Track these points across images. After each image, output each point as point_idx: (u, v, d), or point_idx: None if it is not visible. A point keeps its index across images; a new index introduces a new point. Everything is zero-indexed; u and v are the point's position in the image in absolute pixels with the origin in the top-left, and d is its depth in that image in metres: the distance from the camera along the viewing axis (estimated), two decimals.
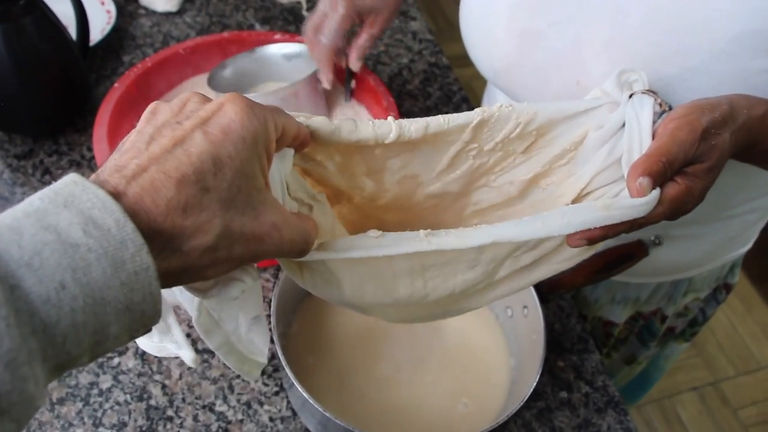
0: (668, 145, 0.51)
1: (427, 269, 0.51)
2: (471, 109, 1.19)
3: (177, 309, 0.51)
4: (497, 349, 0.87)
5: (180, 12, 1.34)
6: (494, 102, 1.00)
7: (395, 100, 1.07)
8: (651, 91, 0.56)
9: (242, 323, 0.47)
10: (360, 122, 0.51)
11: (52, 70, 1.01)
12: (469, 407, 0.82)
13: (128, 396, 0.82)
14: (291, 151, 0.47)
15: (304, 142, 0.48)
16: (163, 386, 0.83)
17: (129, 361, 0.84)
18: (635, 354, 1.17)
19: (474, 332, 0.89)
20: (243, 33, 1.11)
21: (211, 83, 1.04)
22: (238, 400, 0.82)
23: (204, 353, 0.86)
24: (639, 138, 0.53)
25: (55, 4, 1.05)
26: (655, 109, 0.54)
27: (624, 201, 0.50)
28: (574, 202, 0.58)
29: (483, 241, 0.48)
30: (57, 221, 0.33)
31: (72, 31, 1.08)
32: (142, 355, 0.85)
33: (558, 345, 0.92)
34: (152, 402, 0.81)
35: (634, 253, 0.86)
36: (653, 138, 0.53)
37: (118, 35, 1.26)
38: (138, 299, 0.35)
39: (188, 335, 0.84)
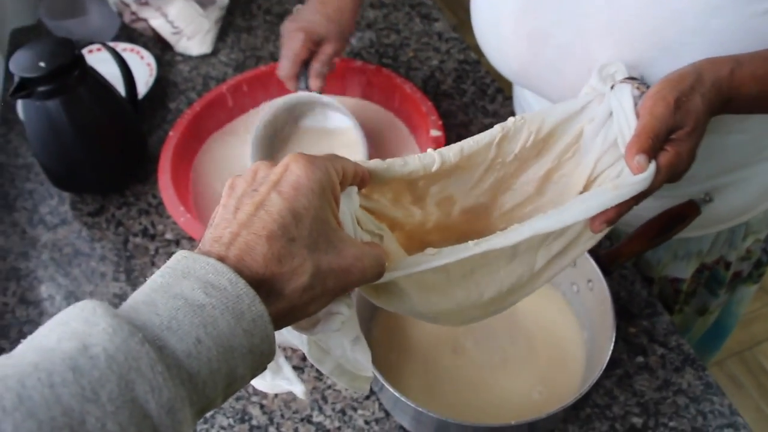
0: (651, 122, 0.59)
1: (475, 271, 0.58)
2: (506, 99, 1.23)
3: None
4: (569, 326, 0.90)
5: (214, 52, 1.41)
6: (523, 95, 1.04)
7: (432, 102, 1.11)
8: (631, 78, 0.64)
9: (347, 347, 0.53)
10: (408, 157, 0.58)
11: (111, 130, 1.08)
12: (543, 394, 0.85)
13: (230, 420, 0.87)
14: (354, 189, 0.53)
15: (363, 179, 0.54)
16: (261, 406, 0.88)
17: None
18: (706, 304, 1.18)
19: (545, 313, 0.92)
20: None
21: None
22: (333, 409, 0.87)
23: (295, 370, 0.91)
24: (626, 121, 0.61)
25: (101, 67, 1.12)
26: (634, 93, 0.62)
27: (629, 179, 0.58)
28: (585, 187, 0.65)
29: (524, 236, 0.56)
30: (181, 290, 0.39)
31: (119, 88, 1.15)
32: None
33: (627, 312, 0.95)
34: (254, 422, 0.87)
35: (687, 213, 0.88)
36: (638, 117, 0.61)
37: (161, 85, 1.33)
38: (258, 342, 0.41)
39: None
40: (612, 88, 0.64)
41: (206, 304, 0.39)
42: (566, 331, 0.90)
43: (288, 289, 0.43)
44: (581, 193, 0.65)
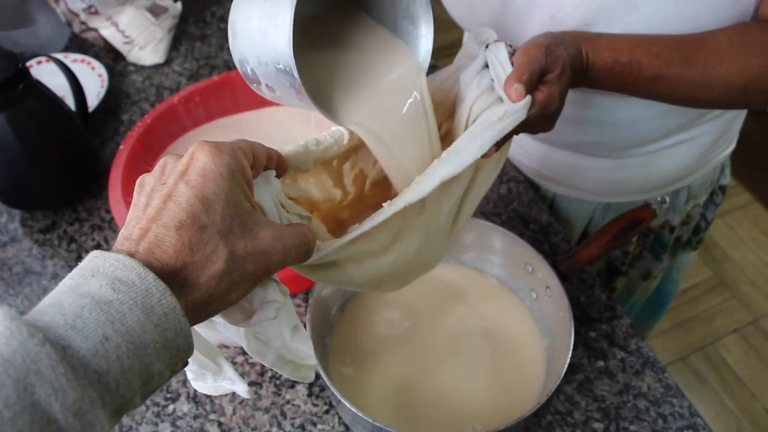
0: (526, 60, 0.65)
1: (401, 231, 0.61)
2: None
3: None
4: (529, 333, 0.90)
5: (168, 62, 1.38)
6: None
7: None
8: (500, 40, 0.70)
9: (286, 336, 0.53)
10: (319, 137, 0.61)
11: (59, 145, 1.05)
12: (504, 403, 0.84)
13: None
14: (272, 173, 0.53)
15: (281, 163, 0.54)
16: (220, 424, 0.86)
17: (183, 406, 0.88)
18: (650, 269, 1.24)
19: (505, 321, 0.92)
20: (231, 73, 1.15)
21: None
22: (292, 424, 0.86)
23: (253, 386, 0.89)
24: (502, 68, 0.66)
25: (48, 79, 1.09)
26: (508, 50, 0.68)
27: (509, 108, 0.63)
28: (465, 130, 0.68)
29: (433, 185, 0.57)
30: (88, 288, 0.38)
31: (69, 101, 1.12)
32: (194, 398, 0.88)
33: (587, 317, 0.95)
34: None
35: (643, 216, 0.89)
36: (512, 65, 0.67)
37: (113, 96, 1.31)
38: (171, 336, 0.40)
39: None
40: (487, 47, 0.69)
41: (113, 300, 0.38)
42: (526, 338, 0.90)
43: (203, 278, 0.43)
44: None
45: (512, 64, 0.66)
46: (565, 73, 0.69)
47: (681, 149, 1.00)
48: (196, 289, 0.43)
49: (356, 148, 0.66)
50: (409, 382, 0.86)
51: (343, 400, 0.74)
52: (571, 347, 0.78)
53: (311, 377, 0.57)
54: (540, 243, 1.04)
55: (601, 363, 0.91)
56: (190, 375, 0.55)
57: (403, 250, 0.62)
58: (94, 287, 0.38)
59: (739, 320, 2.18)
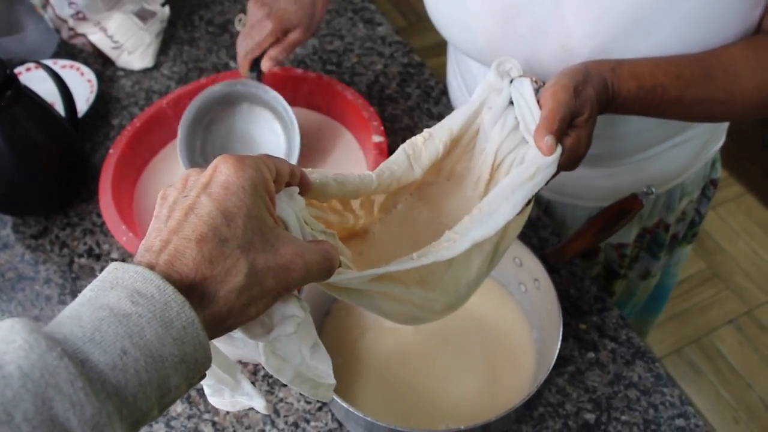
0: (556, 107, 0.63)
1: (425, 280, 0.60)
2: (449, 100, 1.21)
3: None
4: (519, 326, 0.91)
5: (156, 66, 1.39)
6: (470, 73, 1.04)
7: (377, 106, 1.11)
8: (525, 75, 0.68)
9: (305, 354, 0.52)
10: (349, 177, 0.60)
11: (49, 150, 1.05)
12: (495, 396, 0.85)
13: None
14: (296, 189, 0.52)
15: (304, 181, 0.54)
16: (214, 423, 0.87)
17: (177, 407, 0.88)
18: (649, 268, 1.25)
19: (495, 314, 0.92)
20: (220, 75, 1.15)
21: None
22: (286, 422, 0.86)
23: None
24: (528, 108, 0.65)
25: (38, 85, 1.10)
26: (533, 86, 0.66)
27: (540, 164, 0.62)
28: (491, 175, 0.69)
29: (464, 247, 0.58)
30: (107, 300, 0.38)
31: (59, 107, 1.12)
32: (188, 398, 0.89)
33: (577, 309, 0.96)
34: None
35: (630, 207, 0.89)
36: (540, 106, 0.65)
37: (103, 101, 1.31)
38: (190, 350, 0.40)
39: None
40: (511, 82, 0.68)
41: (132, 313, 0.38)
42: (516, 331, 0.90)
43: (222, 291, 0.42)
44: (488, 181, 0.68)
45: (538, 102, 0.64)
46: (593, 114, 0.67)
47: (675, 152, 1.00)
48: (214, 302, 0.42)
49: (379, 193, 0.65)
50: (401, 376, 0.86)
51: (335, 397, 0.74)
52: (560, 339, 0.79)
53: (330, 396, 0.56)
54: (529, 237, 1.04)
55: (591, 354, 0.92)
56: (207, 390, 0.55)
57: (433, 301, 0.62)
58: (113, 300, 0.38)
59: (733, 311, 2.19)
